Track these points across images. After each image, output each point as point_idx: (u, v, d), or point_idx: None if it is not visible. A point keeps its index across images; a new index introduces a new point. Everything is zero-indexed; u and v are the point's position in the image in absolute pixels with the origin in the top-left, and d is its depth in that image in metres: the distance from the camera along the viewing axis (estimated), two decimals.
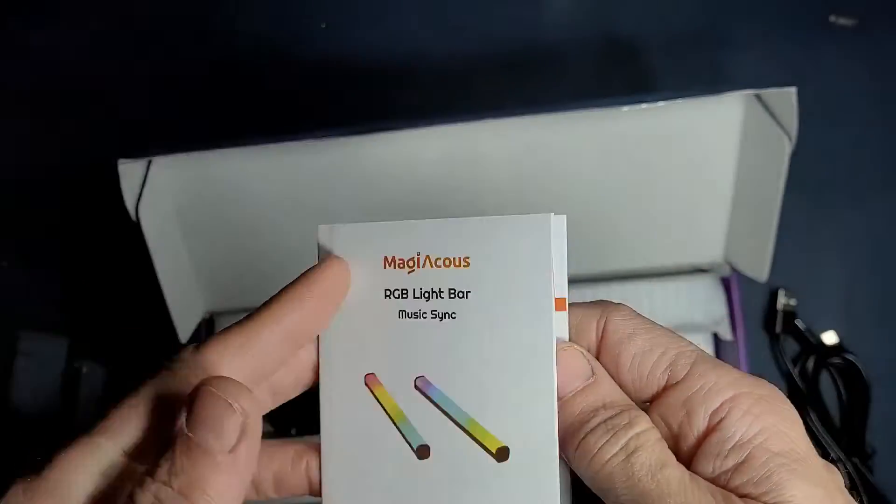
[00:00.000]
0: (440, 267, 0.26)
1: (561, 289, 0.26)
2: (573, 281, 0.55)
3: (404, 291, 0.27)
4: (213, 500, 0.22)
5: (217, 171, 0.51)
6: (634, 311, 0.27)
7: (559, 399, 0.25)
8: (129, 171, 0.47)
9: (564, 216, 0.25)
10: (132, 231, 0.48)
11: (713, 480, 0.24)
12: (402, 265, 0.27)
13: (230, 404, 0.23)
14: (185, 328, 0.51)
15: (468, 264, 0.26)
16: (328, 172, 0.51)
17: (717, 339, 0.57)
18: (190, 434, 0.22)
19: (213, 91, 0.61)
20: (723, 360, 0.59)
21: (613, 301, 0.27)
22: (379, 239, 0.27)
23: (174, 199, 0.51)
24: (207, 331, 0.55)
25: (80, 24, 0.62)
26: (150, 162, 0.48)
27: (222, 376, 0.23)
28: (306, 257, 0.54)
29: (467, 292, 0.26)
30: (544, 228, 0.25)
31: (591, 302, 0.27)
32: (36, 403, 0.56)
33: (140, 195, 0.48)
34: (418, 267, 0.27)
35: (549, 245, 0.25)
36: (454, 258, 0.26)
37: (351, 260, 0.27)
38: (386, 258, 0.27)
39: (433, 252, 0.26)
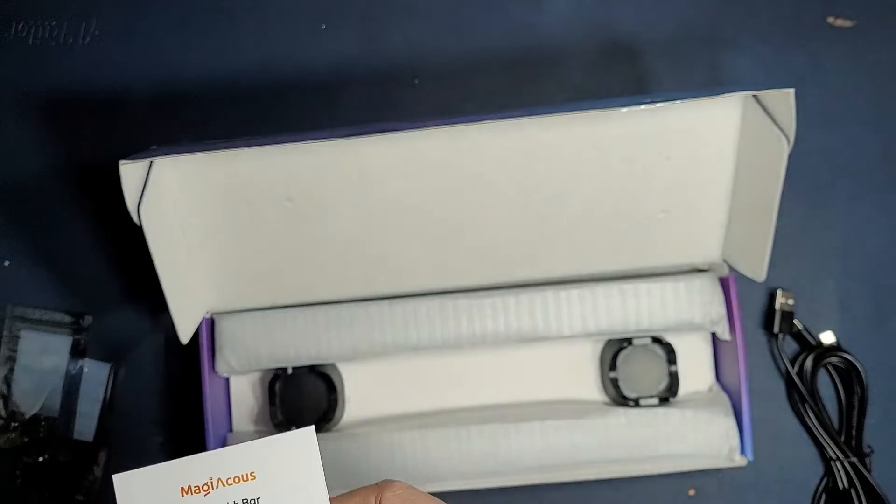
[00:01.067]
0: (231, 484, 0.33)
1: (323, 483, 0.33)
2: (573, 281, 0.55)
3: None
4: None
5: (218, 172, 0.51)
6: (408, 485, 0.34)
7: None
8: (131, 172, 0.47)
9: (313, 426, 0.33)
10: (134, 232, 0.48)
11: None
12: (198, 491, 0.33)
13: None
14: (185, 328, 0.52)
15: (254, 477, 0.33)
16: (328, 173, 0.51)
17: (715, 338, 0.57)
18: None
19: (214, 93, 0.61)
20: (722, 359, 0.60)
21: (391, 479, 0.34)
22: (173, 476, 0.33)
23: (175, 200, 0.52)
24: (208, 331, 0.56)
25: (83, 23, 0.62)
26: (151, 163, 0.49)
27: None
28: (308, 257, 0.54)
29: (257, 498, 0.33)
30: (309, 439, 0.33)
31: (373, 484, 0.35)
32: (38, 403, 0.57)
33: (142, 196, 0.48)
34: (213, 489, 0.33)
35: (315, 449, 0.33)
36: (242, 475, 0.33)
37: (151, 498, 0.33)
38: (182, 488, 0.33)
39: (223, 475, 0.33)
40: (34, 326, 0.58)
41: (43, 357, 0.57)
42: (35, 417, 0.56)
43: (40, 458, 0.56)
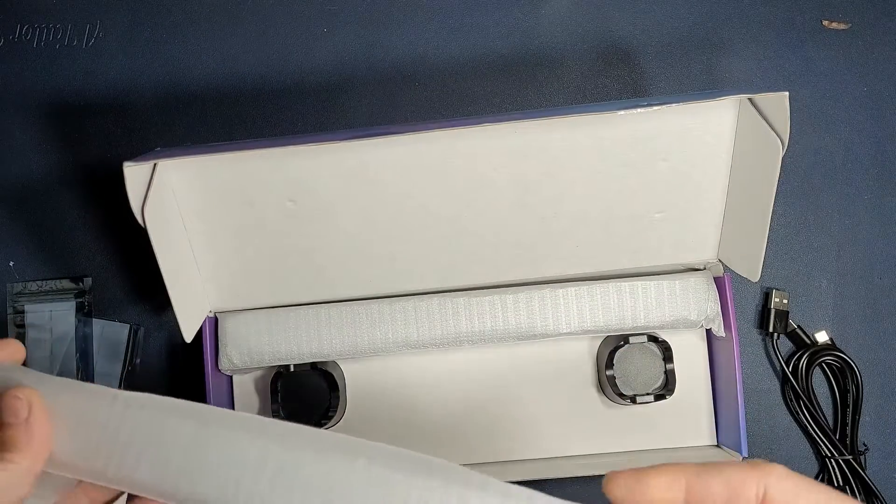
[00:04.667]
0: None
1: None
2: (571, 280, 0.56)
3: None
4: (17, 455, 0.34)
5: (221, 173, 0.52)
6: (791, 472, 0.26)
7: None
8: (135, 174, 0.48)
9: None
10: (138, 232, 0.49)
11: None
12: None
13: (18, 397, 0.35)
14: (189, 327, 0.52)
15: None
16: (330, 174, 0.52)
17: (710, 337, 0.58)
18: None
19: (217, 95, 0.62)
20: (717, 358, 0.60)
21: (768, 462, 0.26)
22: None
23: (179, 201, 0.52)
24: (212, 330, 0.56)
25: (87, 26, 0.63)
26: (155, 165, 0.49)
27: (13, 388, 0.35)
28: (310, 257, 0.55)
29: None
30: None
31: (740, 462, 0.26)
32: (54, 370, 0.57)
33: (146, 197, 0.48)
34: None
35: None
36: None
37: None
38: None
39: None
40: (36, 298, 0.59)
41: (51, 325, 0.58)
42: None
43: None
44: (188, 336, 0.52)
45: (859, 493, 0.56)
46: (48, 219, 0.61)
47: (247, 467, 0.32)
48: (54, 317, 0.58)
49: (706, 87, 0.61)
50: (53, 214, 0.61)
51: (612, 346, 0.56)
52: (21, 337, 0.58)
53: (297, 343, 0.55)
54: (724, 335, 0.55)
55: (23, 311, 0.58)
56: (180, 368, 0.60)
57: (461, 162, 0.51)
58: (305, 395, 0.56)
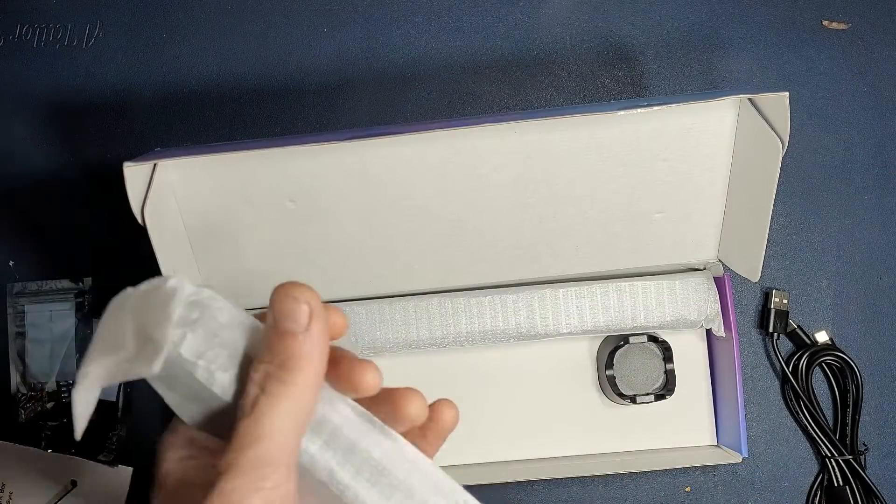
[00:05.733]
0: None
1: None
2: (571, 280, 0.56)
3: None
4: (302, 366, 0.29)
5: (221, 174, 0.52)
6: None
7: None
8: (135, 174, 0.48)
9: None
10: (138, 232, 0.49)
11: None
12: None
13: (297, 299, 0.29)
14: None
15: None
16: (330, 175, 0.52)
17: (710, 337, 0.58)
18: (276, 326, 0.29)
19: (217, 95, 0.62)
20: (717, 357, 0.60)
21: None
22: None
23: (179, 201, 0.52)
24: None
25: (87, 26, 0.63)
26: (155, 165, 0.49)
27: (288, 283, 0.29)
28: (310, 257, 0.55)
29: None
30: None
31: None
32: (54, 370, 0.57)
33: (146, 197, 0.48)
34: None
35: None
36: None
37: None
38: None
39: None
40: (36, 299, 0.59)
41: (51, 325, 0.58)
42: (54, 384, 0.57)
43: (64, 420, 0.57)
44: None
45: (859, 493, 0.56)
46: (48, 219, 0.61)
47: None
48: (54, 317, 0.58)
49: (706, 87, 0.61)
50: (53, 214, 0.61)
51: (612, 346, 0.56)
52: (21, 337, 0.58)
53: None
54: (724, 335, 0.56)
55: (23, 311, 0.58)
56: None
57: (461, 162, 0.51)
58: None
